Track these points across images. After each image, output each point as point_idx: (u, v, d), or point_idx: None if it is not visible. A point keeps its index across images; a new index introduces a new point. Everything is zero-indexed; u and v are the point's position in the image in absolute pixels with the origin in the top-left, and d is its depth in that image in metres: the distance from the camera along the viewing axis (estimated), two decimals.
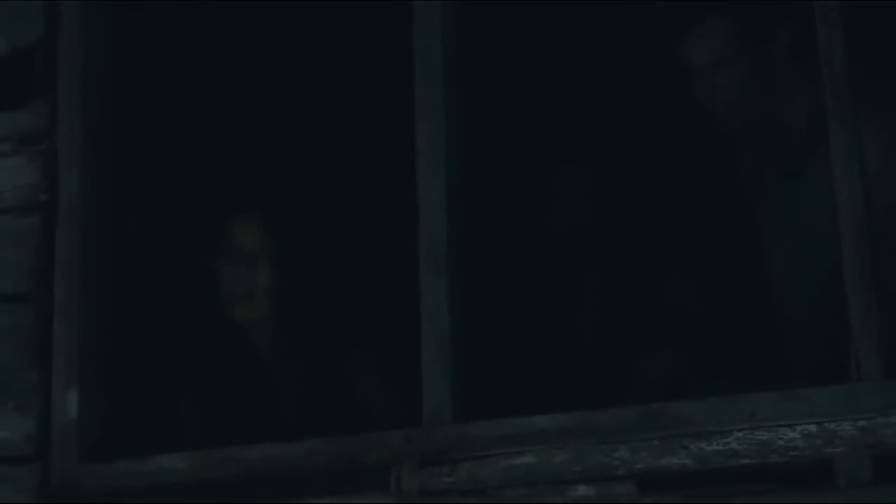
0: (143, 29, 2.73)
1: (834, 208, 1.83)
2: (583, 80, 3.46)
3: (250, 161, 3.02)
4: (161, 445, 2.13)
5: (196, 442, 2.18)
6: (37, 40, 2.33)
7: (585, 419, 1.91)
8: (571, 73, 3.46)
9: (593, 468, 1.87)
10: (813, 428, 1.78)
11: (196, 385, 2.63)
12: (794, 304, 2.55)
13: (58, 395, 2.17)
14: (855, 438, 1.75)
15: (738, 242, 2.72)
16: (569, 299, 2.95)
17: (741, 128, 2.58)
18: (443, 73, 2.10)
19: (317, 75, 3.54)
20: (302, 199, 2.96)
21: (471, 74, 2.21)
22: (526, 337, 2.89)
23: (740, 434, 1.81)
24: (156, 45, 2.82)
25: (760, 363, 2.52)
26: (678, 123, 2.97)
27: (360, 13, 3.29)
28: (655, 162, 3.22)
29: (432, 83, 2.10)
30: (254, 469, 2.03)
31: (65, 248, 2.22)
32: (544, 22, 3.46)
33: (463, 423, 1.95)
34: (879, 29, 2.48)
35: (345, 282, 2.92)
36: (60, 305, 2.21)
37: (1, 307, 2.23)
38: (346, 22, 3.38)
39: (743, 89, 2.52)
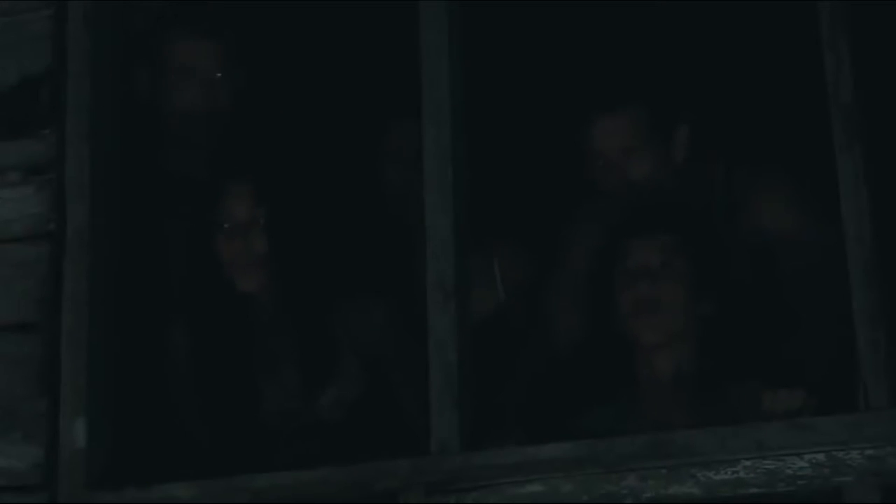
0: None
1: None
2: None
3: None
4: (170, 473, 2.13)
5: (206, 469, 2.18)
6: (45, 70, 2.34)
7: (593, 448, 1.91)
8: None
9: (601, 497, 1.87)
10: (821, 457, 1.78)
11: (204, 410, 2.64)
12: None
13: (65, 424, 2.16)
14: (863, 467, 1.76)
15: None
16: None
17: None
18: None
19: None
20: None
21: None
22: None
23: (748, 463, 1.81)
24: None
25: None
26: None
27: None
28: None
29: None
30: (263, 498, 2.04)
31: (72, 278, 2.22)
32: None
33: (470, 452, 1.94)
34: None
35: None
36: (68, 335, 2.20)
37: (9, 337, 2.23)
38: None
39: None
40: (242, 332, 2.68)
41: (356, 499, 2.00)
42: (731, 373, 2.52)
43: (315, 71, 3.66)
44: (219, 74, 2.87)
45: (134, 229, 2.47)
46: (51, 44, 2.33)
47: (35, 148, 2.30)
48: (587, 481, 1.88)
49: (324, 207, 2.83)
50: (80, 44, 2.32)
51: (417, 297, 2.14)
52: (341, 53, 3.63)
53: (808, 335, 2.59)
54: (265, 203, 2.65)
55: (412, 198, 2.39)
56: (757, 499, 1.82)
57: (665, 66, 3.08)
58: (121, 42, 2.42)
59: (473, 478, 1.92)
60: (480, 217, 2.23)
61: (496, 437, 2.11)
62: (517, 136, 3.38)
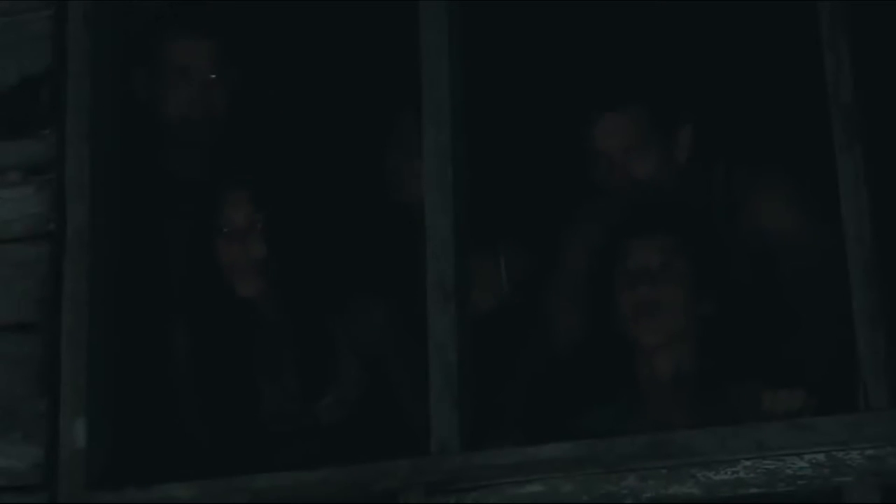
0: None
1: None
2: None
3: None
4: (170, 473, 2.13)
5: (206, 469, 2.18)
6: (45, 70, 2.33)
7: (593, 448, 1.91)
8: None
9: (601, 497, 1.87)
10: (821, 457, 1.78)
11: (205, 411, 2.64)
12: None
13: (65, 424, 2.16)
14: (863, 467, 1.76)
15: None
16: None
17: None
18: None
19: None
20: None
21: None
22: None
23: (748, 463, 1.81)
24: None
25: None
26: None
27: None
28: None
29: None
30: (263, 498, 2.04)
31: (72, 278, 2.21)
32: None
33: (470, 452, 1.95)
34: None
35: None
36: (68, 335, 2.20)
37: (9, 337, 2.23)
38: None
39: None
40: (242, 333, 2.69)
41: (356, 499, 2.00)
42: (731, 373, 2.52)
43: (314, 73, 3.66)
44: (213, 76, 2.87)
45: (134, 229, 2.47)
46: (51, 44, 2.33)
47: (35, 148, 2.30)
48: (587, 481, 1.88)
49: (322, 209, 2.83)
50: (80, 44, 2.32)
51: (417, 297, 2.14)
52: (341, 54, 3.63)
53: (808, 335, 2.59)
54: (263, 208, 2.65)
55: (411, 197, 2.40)
56: (757, 499, 1.82)
57: (666, 65, 3.08)
58: (120, 42, 2.42)
59: (473, 478, 1.92)
60: (481, 217, 2.23)
61: (495, 437, 2.11)
62: (517, 135, 3.37)
